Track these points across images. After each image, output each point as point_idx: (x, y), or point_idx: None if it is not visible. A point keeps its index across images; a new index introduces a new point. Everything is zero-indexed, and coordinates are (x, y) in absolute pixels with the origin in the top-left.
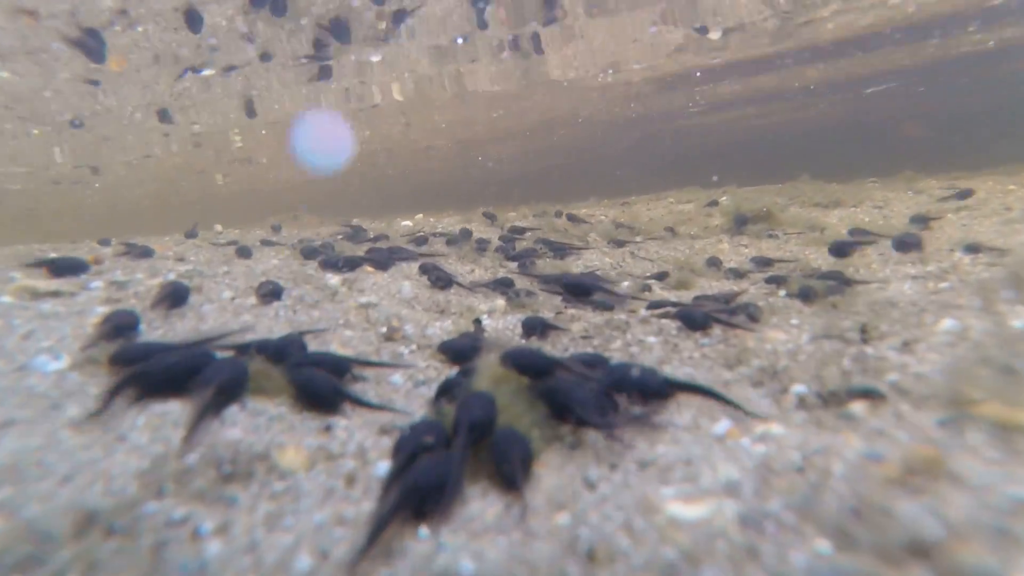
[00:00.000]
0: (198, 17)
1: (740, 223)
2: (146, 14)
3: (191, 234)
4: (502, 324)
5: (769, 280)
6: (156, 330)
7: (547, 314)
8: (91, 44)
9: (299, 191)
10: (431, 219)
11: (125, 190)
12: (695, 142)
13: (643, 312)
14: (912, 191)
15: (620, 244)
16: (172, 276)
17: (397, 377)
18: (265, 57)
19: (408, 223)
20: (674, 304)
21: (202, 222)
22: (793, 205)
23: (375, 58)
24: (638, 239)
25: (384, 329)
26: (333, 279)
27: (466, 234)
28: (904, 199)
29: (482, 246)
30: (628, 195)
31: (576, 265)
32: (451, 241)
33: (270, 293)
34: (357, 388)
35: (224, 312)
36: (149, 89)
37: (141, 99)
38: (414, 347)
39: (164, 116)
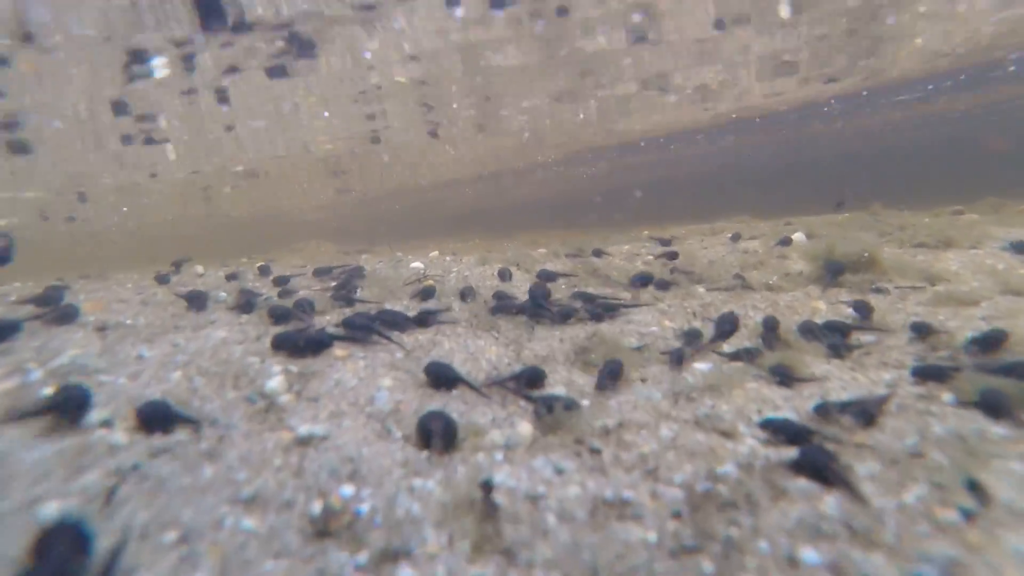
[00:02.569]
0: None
1: (834, 272)
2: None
3: (163, 278)
4: (528, 478)
5: (920, 372)
6: None
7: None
8: None
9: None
10: (447, 257)
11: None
12: (734, 163)
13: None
14: None
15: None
16: (38, 375)
17: None
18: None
19: (418, 264)
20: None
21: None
22: (885, 244)
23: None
24: (700, 288)
25: (318, 508)
26: (276, 378)
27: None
28: None
29: (503, 303)
30: (663, 222)
31: (626, 331)
32: (465, 295)
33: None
34: None
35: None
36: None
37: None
38: (364, 558)
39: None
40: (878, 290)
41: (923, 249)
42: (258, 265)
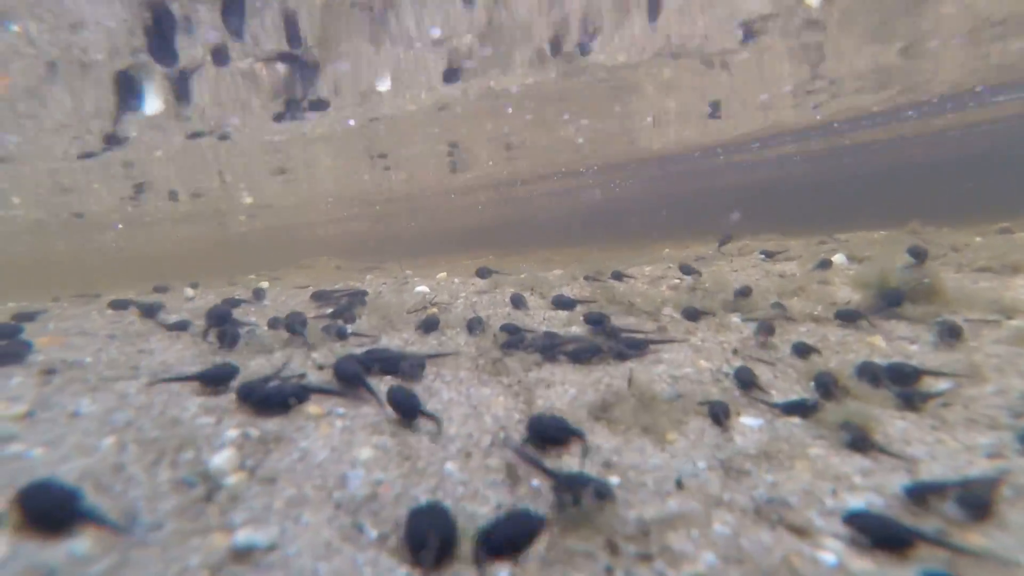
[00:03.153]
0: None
1: (891, 302)
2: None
3: (120, 303)
4: None
5: None
6: None
7: None
8: None
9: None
10: (455, 280)
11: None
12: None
13: None
14: None
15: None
16: None
17: None
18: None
19: (424, 288)
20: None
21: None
22: (940, 267)
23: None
24: (735, 318)
25: None
26: (225, 451)
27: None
28: None
29: (513, 338)
30: (683, 239)
31: (656, 374)
32: (473, 327)
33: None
34: None
35: None
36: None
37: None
38: None
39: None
40: (942, 323)
41: (986, 274)
42: (253, 288)
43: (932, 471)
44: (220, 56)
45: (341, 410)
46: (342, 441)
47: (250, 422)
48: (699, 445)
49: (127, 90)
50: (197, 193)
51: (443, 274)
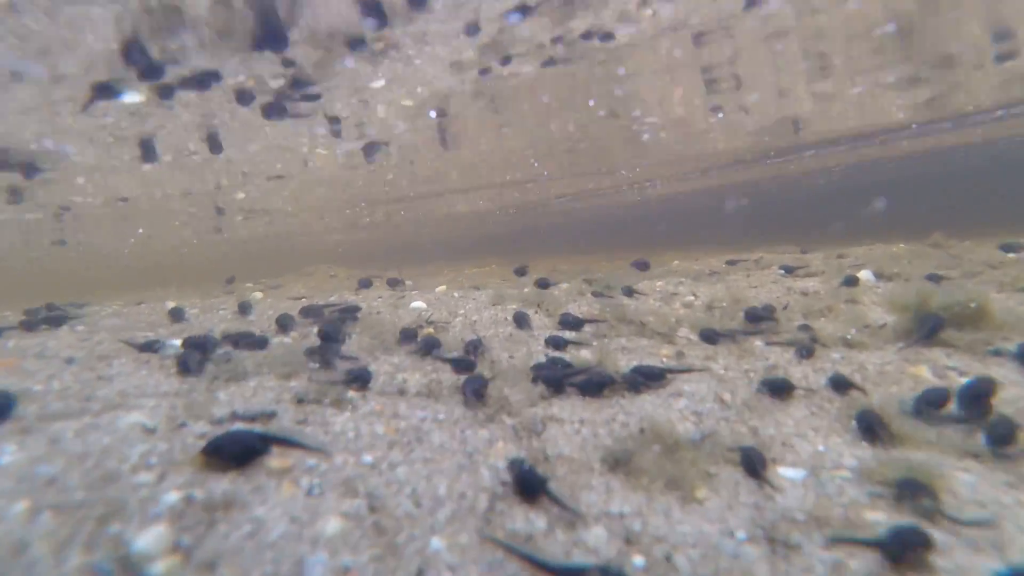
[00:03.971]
0: None
1: (932, 327)
2: None
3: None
4: None
5: None
6: None
7: None
8: None
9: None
10: (455, 294)
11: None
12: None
13: None
14: None
15: (714, 340)
16: None
17: None
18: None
19: (420, 304)
20: None
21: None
22: (973, 283)
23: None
24: (758, 342)
25: None
26: (156, 528)
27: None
28: None
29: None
30: (692, 251)
31: (677, 410)
32: (471, 350)
33: None
34: None
35: None
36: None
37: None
38: None
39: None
40: (997, 352)
41: None
42: (239, 302)
43: (1021, 545)
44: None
45: (311, 462)
46: (306, 508)
47: (198, 480)
48: (735, 505)
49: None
50: (188, 192)
51: (442, 287)
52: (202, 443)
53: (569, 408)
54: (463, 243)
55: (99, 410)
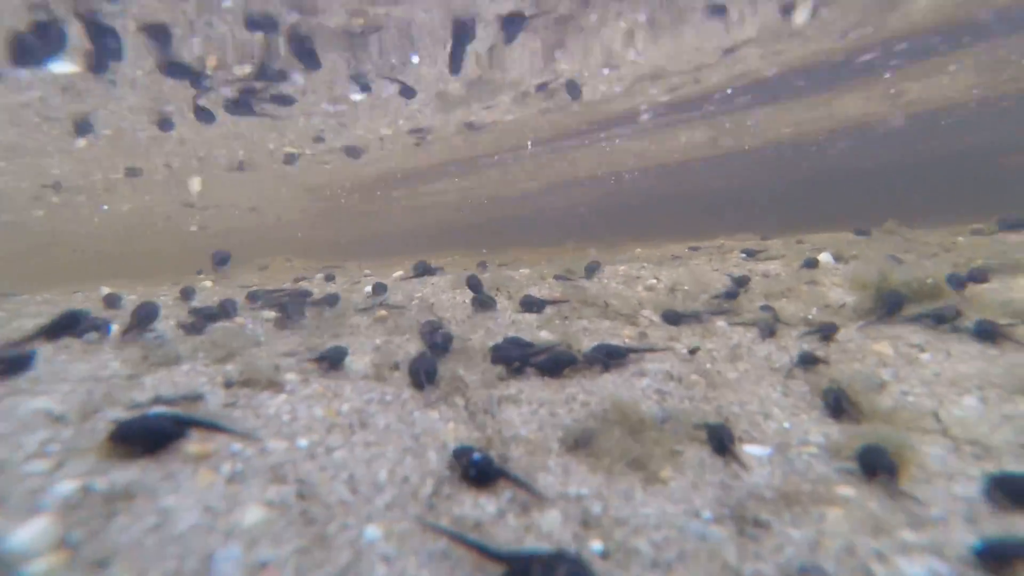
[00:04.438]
0: None
1: (893, 305)
2: None
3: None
4: None
5: None
6: None
7: None
8: None
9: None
10: (414, 279)
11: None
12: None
13: None
14: None
15: (682, 337)
16: None
17: None
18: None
19: (367, 290)
20: None
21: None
22: (930, 263)
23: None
24: (720, 322)
25: None
26: (38, 520)
27: (438, 334)
28: None
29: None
30: (657, 240)
31: (640, 389)
32: (427, 333)
33: None
34: None
35: None
36: None
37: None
38: None
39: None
40: (956, 329)
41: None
42: (181, 288)
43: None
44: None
45: (236, 447)
46: (225, 497)
47: (101, 468)
48: (700, 485)
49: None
50: (134, 171)
51: (399, 272)
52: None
53: (528, 388)
54: (428, 234)
55: (3, 395)
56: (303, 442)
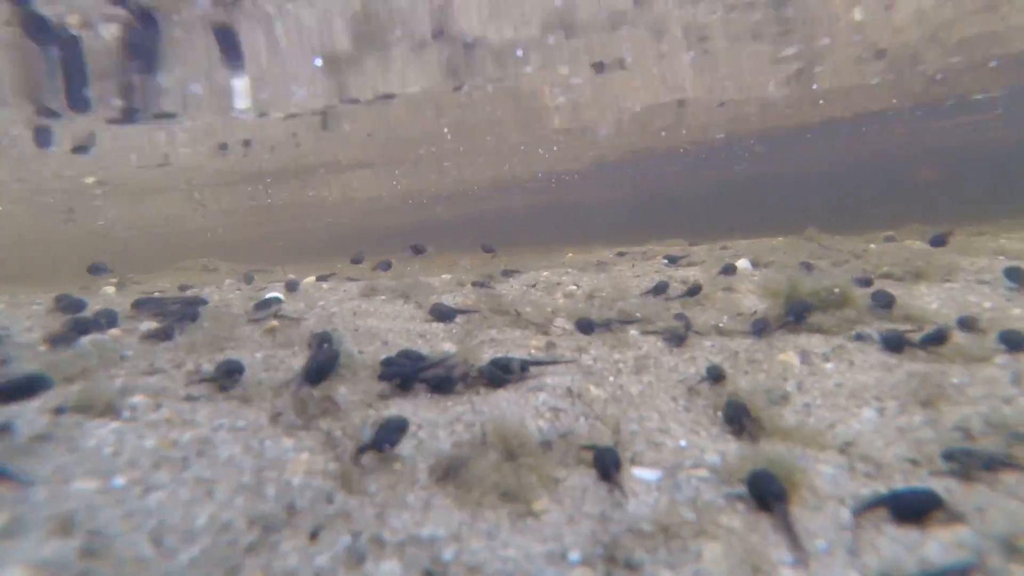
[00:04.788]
0: None
1: (799, 312)
2: None
3: None
4: None
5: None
6: None
7: None
8: None
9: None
10: (324, 284)
11: None
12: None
13: None
14: (1000, 255)
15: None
16: None
17: None
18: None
19: (275, 295)
20: None
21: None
22: (839, 271)
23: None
24: (633, 331)
25: None
26: None
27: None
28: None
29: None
30: (588, 245)
31: (533, 407)
32: (317, 344)
33: None
34: None
35: None
36: None
37: None
38: None
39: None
40: (860, 337)
41: (890, 281)
42: (54, 296)
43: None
44: None
45: (28, 489)
46: None
47: None
48: (577, 517)
49: None
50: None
51: (310, 278)
52: None
53: (411, 408)
54: (366, 236)
55: None
56: (120, 481)
